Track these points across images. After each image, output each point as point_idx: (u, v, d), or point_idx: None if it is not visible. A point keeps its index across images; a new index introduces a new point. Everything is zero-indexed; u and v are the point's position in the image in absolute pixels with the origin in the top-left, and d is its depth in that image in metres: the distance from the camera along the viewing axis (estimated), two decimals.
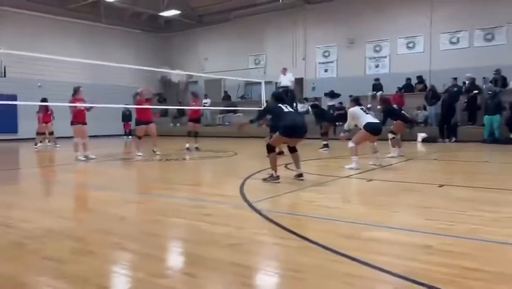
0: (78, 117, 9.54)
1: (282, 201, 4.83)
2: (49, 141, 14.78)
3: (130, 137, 19.67)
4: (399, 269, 2.50)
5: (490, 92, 14.19)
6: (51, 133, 14.44)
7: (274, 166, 6.14)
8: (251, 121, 6.95)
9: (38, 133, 13.99)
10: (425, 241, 3.10)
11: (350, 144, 7.72)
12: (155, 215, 4.15)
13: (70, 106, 9.62)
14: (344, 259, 2.70)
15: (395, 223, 3.69)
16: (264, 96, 17.63)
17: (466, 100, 15.28)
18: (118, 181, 6.94)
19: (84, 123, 9.66)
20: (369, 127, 7.59)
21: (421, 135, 15.07)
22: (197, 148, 11.94)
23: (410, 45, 18.25)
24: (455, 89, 15.25)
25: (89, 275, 2.48)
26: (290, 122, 6.01)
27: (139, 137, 10.67)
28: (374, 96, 17.92)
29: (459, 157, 10.26)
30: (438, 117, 15.38)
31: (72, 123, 9.57)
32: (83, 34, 21.81)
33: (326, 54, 20.48)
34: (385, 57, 18.90)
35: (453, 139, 14.49)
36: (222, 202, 4.74)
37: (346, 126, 8.39)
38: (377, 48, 19.08)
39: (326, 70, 20.56)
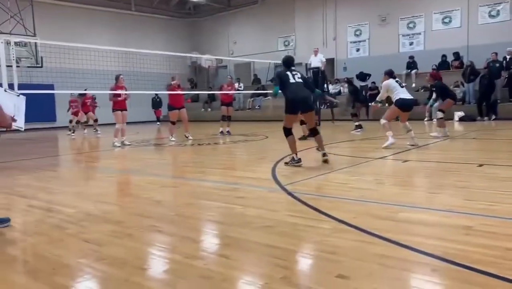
0: (119, 104, 9.93)
1: (315, 183, 4.80)
2: (84, 129, 15.37)
3: (159, 123, 19.98)
4: (437, 250, 2.44)
5: None
6: (96, 120, 15.20)
7: (293, 149, 5.99)
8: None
9: (77, 122, 14.82)
10: (464, 222, 3.01)
11: (382, 120, 7.61)
12: (190, 198, 4.22)
13: (110, 94, 9.99)
14: (379, 241, 2.66)
15: (432, 204, 3.59)
16: None
17: (506, 76, 14.60)
18: (153, 166, 7.08)
19: (124, 109, 10.05)
20: (400, 102, 7.43)
21: (458, 114, 14.55)
22: (228, 132, 12.03)
23: (446, 20, 17.50)
24: (497, 64, 14.58)
25: (127, 257, 2.56)
26: (291, 96, 5.84)
27: (173, 122, 10.95)
28: (408, 75, 17.42)
29: (499, 136, 9.85)
30: (476, 94, 14.79)
31: (113, 110, 9.96)
32: (114, 22, 22.15)
33: (358, 33, 19.96)
34: (420, 33, 18.22)
35: (493, 117, 13.93)
36: (255, 185, 4.76)
37: (378, 97, 8.33)
38: (411, 25, 18.41)
39: (358, 50, 20.06)
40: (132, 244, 2.84)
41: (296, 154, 5.97)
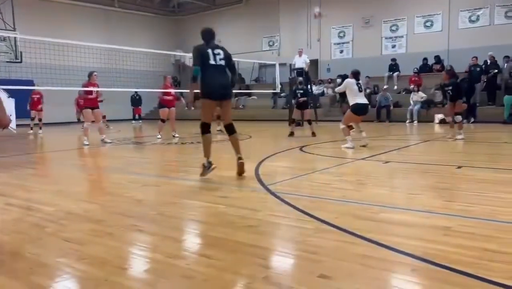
0: (90, 102, 9.79)
1: (297, 184, 4.82)
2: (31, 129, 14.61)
3: (140, 121, 19.65)
4: (417, 250, 2.47)
5: (511, 71, 13.82)
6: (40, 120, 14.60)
7: (207, 152, 5.09)
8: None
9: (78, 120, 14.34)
10: (443, 222, 3.06)
11: (341, 125, 7.85)
12: (172, 197, 4.19)
13: (80, 91, 9.88)
14: (361, 241, 2.69)
15: (412, 205, 3.65)
16: (279, 78, 17.51)
17: (485, 80, 14.93)
18: (135, 164, 7.01)
19: (96, 107, 9.89)
20: (355, 107, 7.69)
21: (438, 116, 14.83)
22: (220, 131, 11.99)
23: (428, 24, 17.80)
24: (477, 69, 14.90)
25: (108, 257, 2.53)
26: (208, 81, 4.94)
27: (163, 120, 11.04)
28: (390, 77, 17.65)
29: (477, 138, 10.06)
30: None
31: (83, 108, 9.90)
32: (97, 18, 21.87)
33: (341, 34, 20.14)
34: (402, 36, 18.50)
35: (472, 119, 14.22)
36: (238, 185, 4.75)
37: (337, 89, 8.91)
38: (394, 28, 18.67)
39: (341, 51, 20.25)
40: (113, 243, 2.80)
41: (208, 157, 5.11)
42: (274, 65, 17.89)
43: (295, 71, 15.94)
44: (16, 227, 3.23)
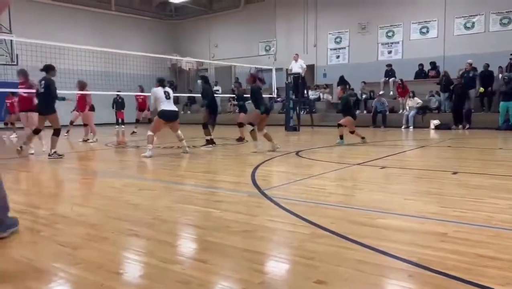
0: (21, 105, 8.90)
1: (294, 188, 4.82)
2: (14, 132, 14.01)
3: (123, 126, 18.55)
4: (413, 256, 2.47)
5: (506, 78, 13.92)
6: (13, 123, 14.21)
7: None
8: None
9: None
10: (439, 228, 3.06)
11: (148, 132, 7.95)
12: (167, 202, 4.17)
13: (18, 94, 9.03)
14: (357, 246, 2.69)
15: (408, 210, 3.65)
16: (275, 83, 17.56)
17: (478, 90, 15.03)
18: (130, 168, 6.98)
19: (27, 111, 8.79)
20: (162, 113, 7.83)
21: (434, 122, 14.92)
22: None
23: (424, 30, 17.93)
24: (470, 74, 14.99)
25: (103, 261, 2.51)
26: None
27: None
28: (386, 83, 17.74)
29: (473, 144, 10.11)
30: (451, 103, 15.18)
31: (27, 110, 8.82)
32: (94, 21, 21.84)
33: (338, 40, 20.24)
34: (398, 42, 18.62)
35: (467, 125, 14.30)
36: (234, 190, 4.74)
37: (151, 106, 9.18)
38: (390, 34, 18.79)
39: (338, 57, 20.34)
40: (108, 248, 2.78)
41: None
42: (270, 70, 17.94)
43: (292, 76, 16.00)
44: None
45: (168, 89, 8.03)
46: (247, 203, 4.06)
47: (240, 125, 10.09)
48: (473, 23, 16.80)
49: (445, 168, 5.93)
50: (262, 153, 7.90)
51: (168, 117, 7.91)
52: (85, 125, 11.59)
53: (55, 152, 7.85)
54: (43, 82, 7.75)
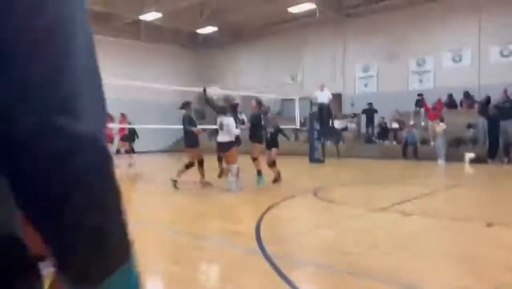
0: None
1: (300, 243, 4.28)
2: None
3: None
4: None
5: None
6: None
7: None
8: None
9: None
10: None
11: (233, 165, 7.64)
12: (144, 254, 3.71)
13: None
14: None
15: (429, 284, 3.04)
16: (298, 114, 17.16)
17: None
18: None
19: None
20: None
21: (469, 156, 13.94)
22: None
23: (456, 58, 17.14)
24: (506, 104, 14.02)
25: None
26: None
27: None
28: (417, 112, 16.96)
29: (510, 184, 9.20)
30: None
31: None
32: (123, 51, 22.22)
33: (366, 68, 19.67)
34: (429, 71, 17.86)
35: (505, 160, 13.29)
36: (231, 242, 4.21)
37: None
38: (420, 62, 18.07)
39: (366, 85, 19.72)
40: None
41: None
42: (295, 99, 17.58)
43: (318, 106, 15.54)
44: None
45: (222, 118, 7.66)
46: (241, 265, 3.55)
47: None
48: (511, 50, 15.88)
49: (478, 217, 5.19)
50: (274, 193, 7.38)
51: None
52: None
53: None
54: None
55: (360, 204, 6.26)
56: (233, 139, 7.55)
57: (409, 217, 5.40)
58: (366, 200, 6.72)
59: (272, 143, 8.60)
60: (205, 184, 8.26)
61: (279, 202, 6.38)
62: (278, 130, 8.81)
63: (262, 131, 8.43)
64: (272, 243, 4.07)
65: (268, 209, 5.83)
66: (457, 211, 5.85)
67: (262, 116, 8.36)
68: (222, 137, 7.64)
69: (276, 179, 8.51)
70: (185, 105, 8.37)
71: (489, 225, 4.82)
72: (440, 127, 14.37)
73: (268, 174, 8.43)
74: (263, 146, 8.47)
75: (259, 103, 8.46)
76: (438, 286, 2.95)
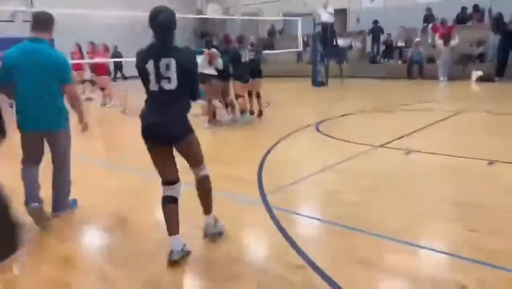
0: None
1: (301, 192, 4.35)
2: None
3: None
4: None
5: None
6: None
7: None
8: None
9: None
10: (458, 276, 2.54)
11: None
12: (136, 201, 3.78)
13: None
14: None
15: (426, 239, 3.13)
16: (300, 36, 16.56)
17: None
18: None
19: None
20: None
21: (477, 73, 13.59)
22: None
23: None
24: None
25: None
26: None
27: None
28: (424, 29, 16.25)
29: None
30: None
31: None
32: None
33: None
34: None
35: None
36: (232, 192, 4.20)
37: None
38: None
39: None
40: None
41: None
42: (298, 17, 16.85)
43: (321, 25, 14.88)
44: None
45: None
46: (241, 219, 3.65)
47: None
48: None
49: (479, 155, 5.10)
50: (276, 129, 7.35)
51: None
52: (102, 89, 11.22)
53: None
54: None
55: (359, 141, 6.07)
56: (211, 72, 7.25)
57: (410, 155, 5.35)
58: (369, 134, 6.64)
59: (255, 72, 7.83)
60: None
61: (280, 140, 6.36)
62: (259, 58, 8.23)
63: (242, 68, 7.65)
64: (274, 191, 4.14)
65: (269, 150, 5.82)
66: (460, 146, 5.74)
67: (242, 53, 7.59)
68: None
69: (261, 113, 8.21)
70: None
71: (490, 163, 4.81)
72: (451, 44, 13.85)
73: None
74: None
75: (240, 38, 7.93)
76: (432, 242, 3.04)
